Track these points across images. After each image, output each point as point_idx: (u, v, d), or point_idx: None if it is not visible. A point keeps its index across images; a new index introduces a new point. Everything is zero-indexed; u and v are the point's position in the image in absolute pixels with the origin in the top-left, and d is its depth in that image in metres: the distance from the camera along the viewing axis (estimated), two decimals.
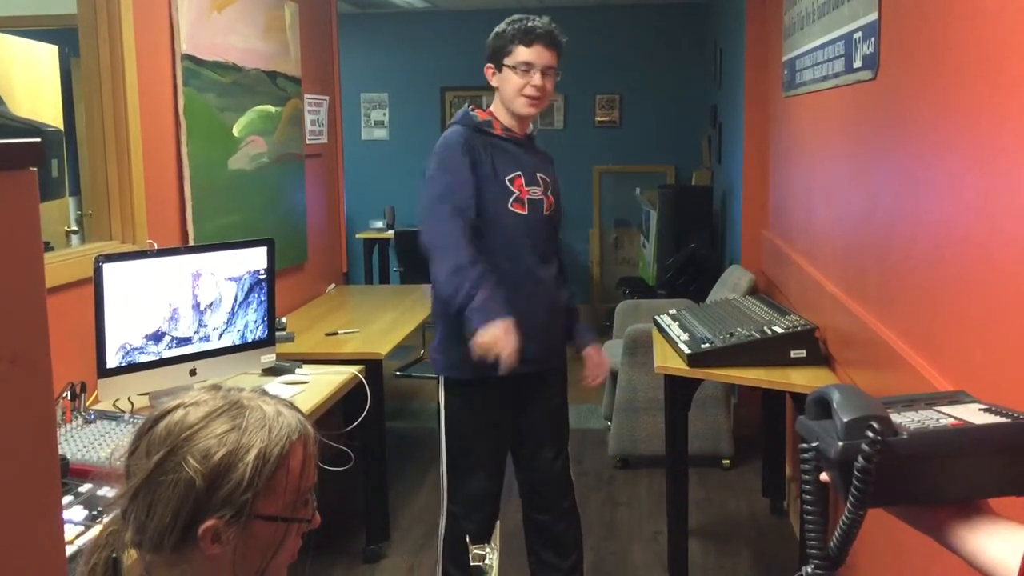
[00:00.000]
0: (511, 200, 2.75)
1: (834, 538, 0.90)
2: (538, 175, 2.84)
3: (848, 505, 0.87)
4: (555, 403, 2.97)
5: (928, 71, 1.98)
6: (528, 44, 2.70)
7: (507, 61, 2.72)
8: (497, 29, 2.78)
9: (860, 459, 0.85)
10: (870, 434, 0.85)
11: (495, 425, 2.86)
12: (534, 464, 2.97)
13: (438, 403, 2.92)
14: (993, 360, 1.62)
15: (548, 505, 2.99)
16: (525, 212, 2.76)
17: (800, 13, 3.47)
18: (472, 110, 2.82)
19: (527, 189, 2.78)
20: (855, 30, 2.59)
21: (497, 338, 2.48)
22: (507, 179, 2.75)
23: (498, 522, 2.83)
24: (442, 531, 2.96)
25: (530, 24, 2.72)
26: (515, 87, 2.71)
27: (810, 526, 0.93)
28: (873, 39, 2.40)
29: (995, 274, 1.61)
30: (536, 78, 2.71)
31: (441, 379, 2.87)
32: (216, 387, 1.30)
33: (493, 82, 2.80)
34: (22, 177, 0.74)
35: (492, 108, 2.83)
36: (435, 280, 2.66)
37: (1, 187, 0.72)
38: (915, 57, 2.08)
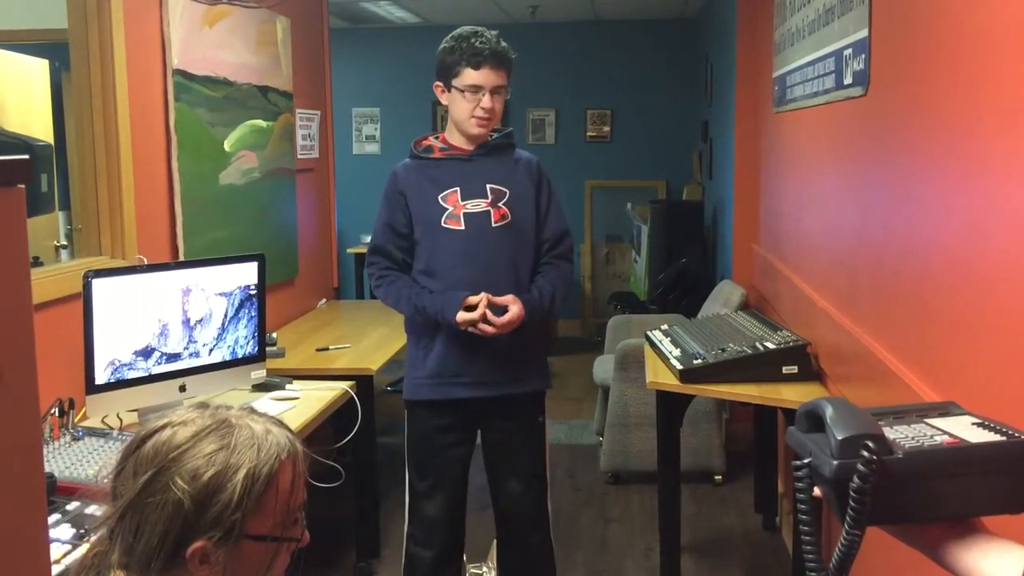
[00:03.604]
0: (444, 217, 2.66)
1: (834, 557, 0.89)
2: (488, 186, 2.69)
3: (846, 525, 0.86)
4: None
5: (918, 88, 1.99)
6: (477, 67, 2.58)
7: (456, 83, 2.62)
8: (444, 45, 2.64)
9: (856, 479, 0.84)
10: (865, 454, 0.84)
11: None
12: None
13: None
14: (984, 374, 1.62)
15: None
16: (462, 227, 2.66)
17: (791, 29, 3.49)
18: (419, 142, 2.78)
19: (463, 204, 2.66)
20: (846, 47, 2.60)
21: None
22: (440, 196, 2.67)
23: (495, 540, 2.81)
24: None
25: (478, 44, 2.58)
26: (465, 110, 2.62)
27: (807, 544, 0.92)
28: (864, 56, 2.41)
29: (986, 289, 1.61)
30: (486, 100, 2.60)
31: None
32: (204, 405, 1.28)
33: (443, 100, 2.70)
34: (9, 194, 0.74)
35: (447, 131, 2.76)
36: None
37: None
38: (905, 74, 2.09)
